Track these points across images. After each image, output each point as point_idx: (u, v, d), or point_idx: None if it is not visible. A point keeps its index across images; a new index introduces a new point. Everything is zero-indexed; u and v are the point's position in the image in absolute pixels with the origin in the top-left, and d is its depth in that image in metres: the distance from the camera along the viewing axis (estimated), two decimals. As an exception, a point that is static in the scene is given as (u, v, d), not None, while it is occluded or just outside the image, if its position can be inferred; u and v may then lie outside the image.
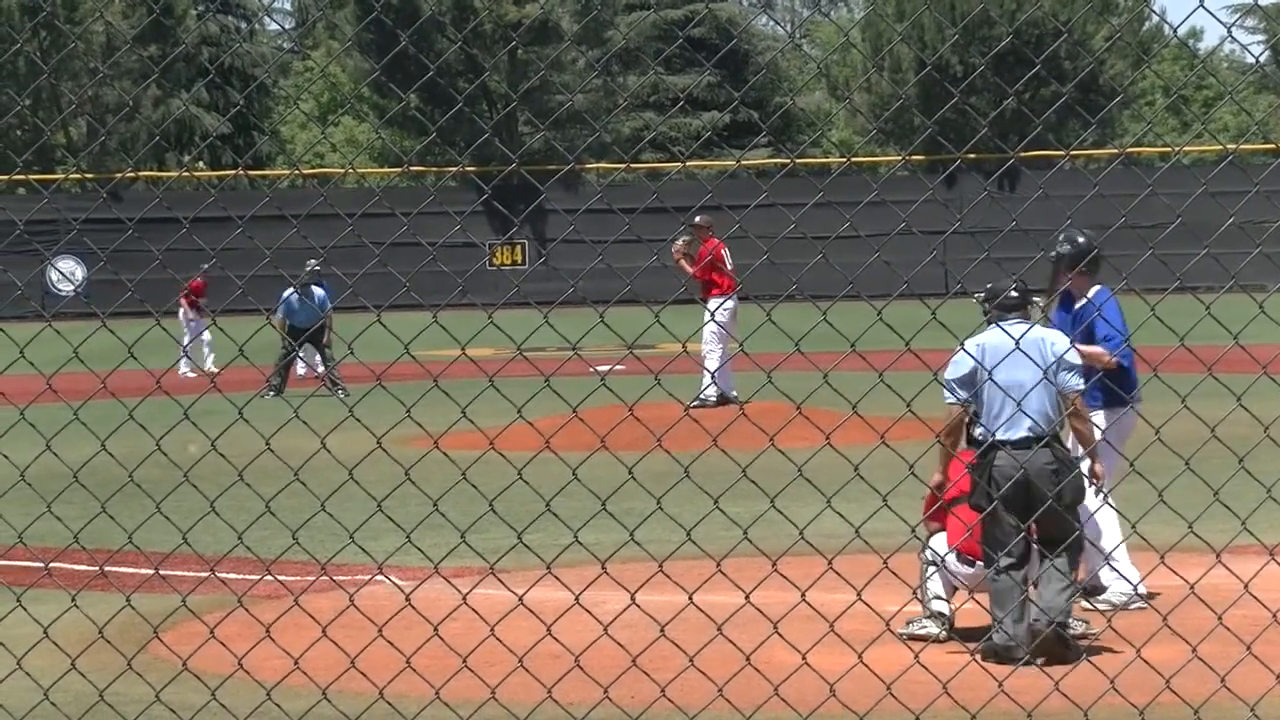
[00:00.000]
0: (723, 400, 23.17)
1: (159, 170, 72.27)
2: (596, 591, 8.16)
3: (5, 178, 53.01)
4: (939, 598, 9.90)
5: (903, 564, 8.14)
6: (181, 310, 33.80)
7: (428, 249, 6.58)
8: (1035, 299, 10.20)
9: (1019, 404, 9.27)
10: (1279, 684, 7.84)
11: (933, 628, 9.89)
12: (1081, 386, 9.67)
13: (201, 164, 77.00)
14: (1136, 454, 7.64)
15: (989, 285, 9.93)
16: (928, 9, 70.49)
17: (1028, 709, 7.15)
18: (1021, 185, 61.12)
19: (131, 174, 66.48)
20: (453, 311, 6.96)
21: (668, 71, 79.44)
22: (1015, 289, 9.82)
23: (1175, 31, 5.76)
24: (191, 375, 32.38)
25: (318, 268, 28.99)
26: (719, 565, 6.68)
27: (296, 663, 7.13)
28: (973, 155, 61.62)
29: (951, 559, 9.81)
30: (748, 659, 6.95)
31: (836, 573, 6.71)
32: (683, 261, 23.38)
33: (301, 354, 29.97)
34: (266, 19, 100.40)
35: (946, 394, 9.57)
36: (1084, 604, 10.67)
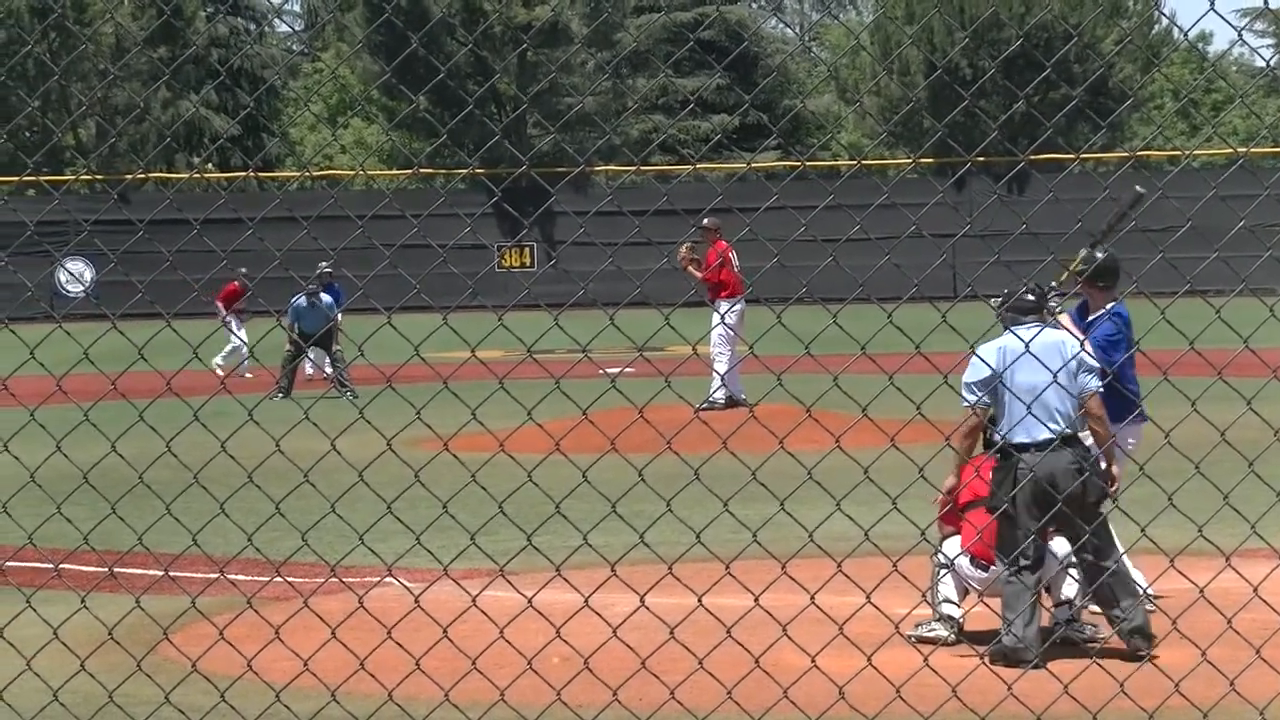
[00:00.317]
0: (731, 403, 23.14)
1: (169, 172, 72.32)
2: (606, 593, 8.16)
3: (15, 179, 53.07)
4: (949, 601, 9.89)
5: (912, 567, 8.14)
6: (221, 315, 33.24)
7: (438, 251, 6.59)
8: (1052, 303, 10.16)
9: (1031, 406, 9.24)
10: (1288, 688, 7.83)
11: (942, 631, 9.88)
12: (1099, 387, 9.65)
13: (211, 166, 77.08)
14: (1146, 458, 7.63)
15: (1005, 290, 9.91)
16: (938, 12, 70.45)
17: (1037, 712, 7.15)
18: (1031, 188, 61.05)
19: (141, 175, 66.53)
20: (463, 313, 6.96)
21: (677, 74, 79.38)
22: (1031, 292, 9.79)
23: (1185, 35, 5.74)
24: (249, 376, 32.33)
25: (329, 270, 29.07)
26: (728, 567, 6.69)
27: (306, 664, 7.13)
28: (982, 158, 61.60)
29: (965, 563, 9.80)
30: (757, 661, 6.96)
31: (846, 575, 6.71)
32: (690, 267, 23.38)
33: (311, 355, 29.97)
34: (276, 21, 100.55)
35: (967, 396, 9.51)
36: (1092, 609, 10.67)
